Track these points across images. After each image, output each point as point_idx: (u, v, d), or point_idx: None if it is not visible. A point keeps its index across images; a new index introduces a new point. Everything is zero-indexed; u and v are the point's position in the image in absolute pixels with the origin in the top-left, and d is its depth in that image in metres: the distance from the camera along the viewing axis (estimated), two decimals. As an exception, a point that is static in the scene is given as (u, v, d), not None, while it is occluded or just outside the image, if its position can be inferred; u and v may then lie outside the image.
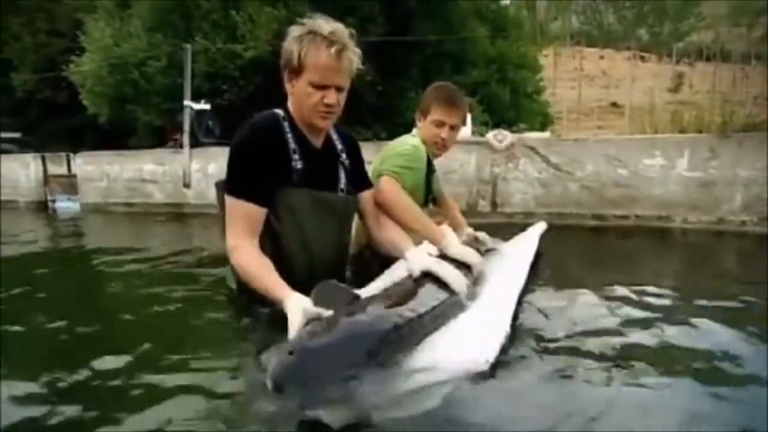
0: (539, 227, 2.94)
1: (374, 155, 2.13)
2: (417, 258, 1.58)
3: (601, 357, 1.38)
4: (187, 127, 6.21)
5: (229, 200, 1.50)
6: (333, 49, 1.46)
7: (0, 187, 7.60)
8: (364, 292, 1.47)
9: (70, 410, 1.14)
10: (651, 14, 37.56)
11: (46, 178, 7.25)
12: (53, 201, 7.05)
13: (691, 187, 4.16)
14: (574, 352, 1.41)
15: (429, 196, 2.27)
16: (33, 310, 1.94)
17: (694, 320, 1.70)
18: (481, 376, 1.18)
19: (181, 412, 1.09)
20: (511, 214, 4.68)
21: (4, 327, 1.70)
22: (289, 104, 1.61)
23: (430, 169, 2.18)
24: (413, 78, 8.34)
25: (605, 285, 2.13)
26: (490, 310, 1.51)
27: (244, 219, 1.48)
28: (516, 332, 1.53)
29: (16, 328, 1.71)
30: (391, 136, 2.54)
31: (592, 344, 1.46)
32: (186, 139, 6.15)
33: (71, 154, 7.16)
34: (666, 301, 1.97)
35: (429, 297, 1.40)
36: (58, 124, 11.34)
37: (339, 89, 1.53)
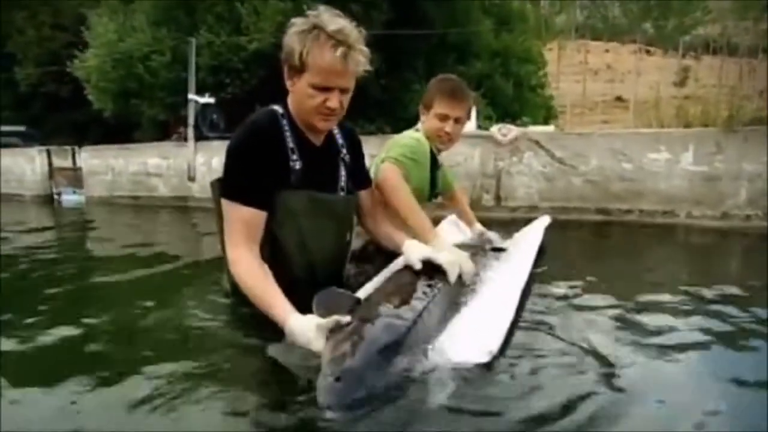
0: (543, 221, 2.94)
1: (378, 149, 2.07)
2: (414, 248, 1.55)
3: (603, 352, 1.38)
4: (191, 120, 6.22)
5: (226, 204, 1.42)
6: (339, 52, 1.35)
7: (0, 180, 7.64)
8: (367, 290, 1.46)
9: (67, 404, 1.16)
10: (656, 8, 37.23)
11: (52, 172, 7.29)
12: (59, 194, 7.08)
13: (696, 182, 4.15)
14: (576, 346, 1.41)
15: (434, 192, 2.21)
16: (29, 306, 1.96)
17: (695, 316, 1.71)
18: (484, 367, 1.19)
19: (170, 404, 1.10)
20: (515, 208, 4.67)
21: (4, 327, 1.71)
22: (289, 101, 1.53)
23: (434, 164, 2.11)
24: (418, 70, 8.30)
25: (609, 279, 2.13)
26: (493, 303, 1.51)
27: (243, 225, 1.40)
28: (519, 325, 1.54)
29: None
30: (396, 130, 2.51)
31: (594, 339, 1.46)
32: (190, 132, 6.17)
33: (76, 148, 7.19)
34: (668, 297, 1.97)
35: (431, 289, 1.40)
36: (62, 118, 11.36)
37: (343, 91, 1.43)
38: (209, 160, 5.96)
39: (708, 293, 1.99)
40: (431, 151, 2.06)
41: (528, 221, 3.06)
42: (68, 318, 1.76)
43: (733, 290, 2.03)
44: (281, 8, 6.87)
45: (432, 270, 1.50)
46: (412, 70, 8.27)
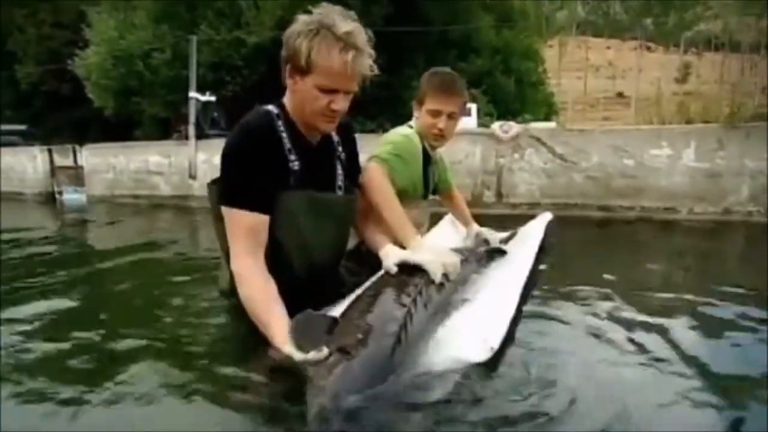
0: (544, 218, 2.93)
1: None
2: (390, 253, 1.51)
3: (605, 349, 1.38)
4: (192, 118, 6.22)
5: (227, 211, 1.38)
6: (349, 56, 1.31)
7: (0, 179, 7.66)
8: (351, 299, 1.41)
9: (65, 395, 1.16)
10: (656, 5, 37.09)
11: (53, 170, 7.29)
12: (60, 193, 7.09)
13: (697, 178, 4.14)
14: (578, 342, 1.41)
15: (428, 189, 2.13)
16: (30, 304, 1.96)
17: (697, 313, 1.71)
18: (485, 364, 1.18)
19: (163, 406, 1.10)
20: (516, 204, 4.67)
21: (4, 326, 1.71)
22: (286, 100, 1.47)
23: (427, 161, 2.03)
24: (418, 66, 8.28)
25: (610, 276, 2.12)
26: (494, 300, 1.51)
27: (247, 231, 1.36)
28: (520, 321, 1.54)
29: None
30: (396, 127, 2.47)
31: (596, 336, 1.46)
32: (192, 130, 6.17)
33: (77, 146, 7.20)
34: (670, 294, 1.96)
35: (411, 294, 1.34)
36: (63, 116, 11.37)
37: (347, 93, 1.41)
38: (210, 158, 5.96)
39: (709, 290, 1.98)
40: (424, 148, 1.99)
41: (529, 218, 3.05)
42: (68, 317, 1.77)
43: (735, 286, 2.03)
44: (281, 3, 6.86)
45: (413, 273, 1.45)
46: (413, 66, 8.25)
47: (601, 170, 4.41)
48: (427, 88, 1.93)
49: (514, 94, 10.30)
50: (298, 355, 1.11)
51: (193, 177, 6.12)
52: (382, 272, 1.53)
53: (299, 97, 1.41)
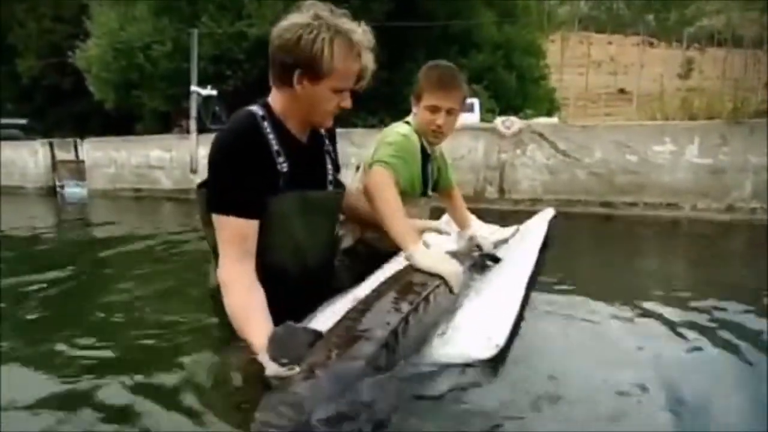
0: (547, 214, 2.92)
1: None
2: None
3: (608, 347, 1.38)
4: (194, 112, 6.21)
5: (217, 219, 1.36)
6: (365, 59, 1.37)
7: (1, 173, 7.65)
8: (348, 302, 1.37)
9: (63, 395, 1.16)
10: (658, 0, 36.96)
11: (54, 164, 7.29)
12: (61, 187, 7.09)
13: (700, 174, 4.12)
14: (579, 341, 1.41)
15: (427, 187, 2.08)
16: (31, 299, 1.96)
17: (699, 310, 1.70)
18: (490, 361, 1.18)
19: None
20: (518, 200, 4.66)
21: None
22: (273, 100, 1.43)
23: (425, 158, 1.98)
24: (419, 62, 8.24)
25: (613, 272, 2.12)
26: (499, 297, 1.50)
27: (238, 238, 1.34)
28: (525, 318, 1.53)
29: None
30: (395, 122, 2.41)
31: (599, 334, 1.46)
32: (193, 124, 6.16)
33: (79, 140, 7.18)
34: (673, 290, 1.96)
35: (416, 299, 1.30)
36: (64, 110, 11.36)
37: (350, 90, 1.44)
38: (211, 152, 5.95)
39: (712, 286, 1.98)
40: (422, 146, 1.94)
41: (532, 214, 3.04)
42: (65, 316, 1.76)
43: (738, 283, 2.02)
44: (282, -4, 6.83)
45: (425, 277, 1.43)
46: (414, 62, 8.22)
47: (603, 166, 4.39)
48: (424, 82, 1.87)
49: (515, 89, 10.28)
50: (270, 368, 1.09)
51: (194, 171, 6.12)
52: (393, 270, 1.51)
53: (306, 99, 1.39)
